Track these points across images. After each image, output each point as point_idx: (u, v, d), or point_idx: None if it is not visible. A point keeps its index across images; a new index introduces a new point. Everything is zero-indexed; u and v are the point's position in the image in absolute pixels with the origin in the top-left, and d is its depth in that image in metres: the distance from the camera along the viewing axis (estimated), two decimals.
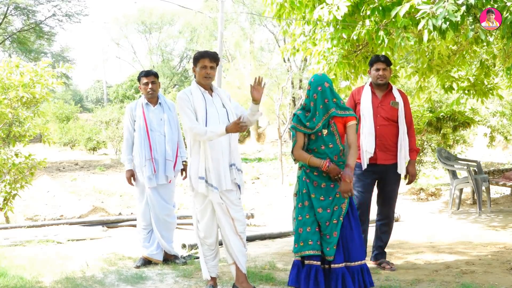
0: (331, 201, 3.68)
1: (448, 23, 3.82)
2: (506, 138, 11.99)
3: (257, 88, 3.82)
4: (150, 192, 4.90)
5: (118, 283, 4.22)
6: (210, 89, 3.98)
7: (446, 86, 6.91)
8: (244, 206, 8.15)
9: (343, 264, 3.67)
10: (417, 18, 4.11)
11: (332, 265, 3.67)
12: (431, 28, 3.88)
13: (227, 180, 3.85)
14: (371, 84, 4.72)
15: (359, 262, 3.71)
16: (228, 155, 3.89)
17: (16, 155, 6.77)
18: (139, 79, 5.03)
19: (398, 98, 4.65)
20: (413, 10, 4.15)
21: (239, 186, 3.96)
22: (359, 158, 4.61)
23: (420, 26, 4.02)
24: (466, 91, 6.97)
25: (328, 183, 3.72)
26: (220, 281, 4.20)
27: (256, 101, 3.84)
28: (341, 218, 3.67)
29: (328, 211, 3.67)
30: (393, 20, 4.58)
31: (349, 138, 3.80)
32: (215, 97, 3.97)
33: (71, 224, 6.72)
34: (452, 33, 4.04)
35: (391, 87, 4.72)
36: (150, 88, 4.95)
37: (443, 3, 3.81)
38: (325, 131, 3.76)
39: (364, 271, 3.73)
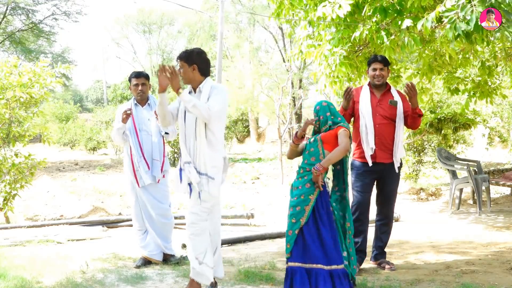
0: (298, 201, 3.94)
1: (473, 25, 3.79)
2: (503, 141, 11.98)
3: (162, 76, 3.84)
4: (141, 192, 4.89)
5: (118, 283, 4.22)
6: (196, 87, 3.91)
7: (452, 88, 6.90)
8: (244, 206, 8.16)
9: (299, 264, 3.82)
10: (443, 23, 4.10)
11: (289, 263, 3.86)
12: (460, 32, 3.87)
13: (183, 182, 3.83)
14: (369, 84, 4.73)
15: (316, 265, 3.80)
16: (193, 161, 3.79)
17: (16, 155, 6.76)
18: (130, 80, 5.04)
19: (397, 97, 4.66)
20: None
21: (199, 193, 3.76)
22: (360, 158, 4.62)
23: (447, 32, 3.98)
24: (471, 93, 6.95)
25: (297, 185, 4.01)
26: (221, 281, 4.19)
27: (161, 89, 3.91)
28: (301, 220, 3.88)
29: (298, 209, 3.91)
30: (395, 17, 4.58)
31: (339, 141, 4.05)
32: (198, 96, 3.89)
33: (71, 224, 6.71)
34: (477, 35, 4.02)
35: (389, 87, 4.74)
36: (140, 90, 4.96)
37: (471, 7, 3.79)
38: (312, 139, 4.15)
39: (321, 275, 3.75)
